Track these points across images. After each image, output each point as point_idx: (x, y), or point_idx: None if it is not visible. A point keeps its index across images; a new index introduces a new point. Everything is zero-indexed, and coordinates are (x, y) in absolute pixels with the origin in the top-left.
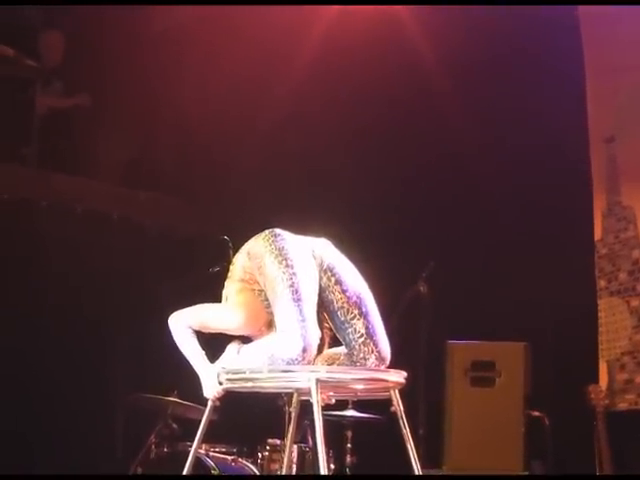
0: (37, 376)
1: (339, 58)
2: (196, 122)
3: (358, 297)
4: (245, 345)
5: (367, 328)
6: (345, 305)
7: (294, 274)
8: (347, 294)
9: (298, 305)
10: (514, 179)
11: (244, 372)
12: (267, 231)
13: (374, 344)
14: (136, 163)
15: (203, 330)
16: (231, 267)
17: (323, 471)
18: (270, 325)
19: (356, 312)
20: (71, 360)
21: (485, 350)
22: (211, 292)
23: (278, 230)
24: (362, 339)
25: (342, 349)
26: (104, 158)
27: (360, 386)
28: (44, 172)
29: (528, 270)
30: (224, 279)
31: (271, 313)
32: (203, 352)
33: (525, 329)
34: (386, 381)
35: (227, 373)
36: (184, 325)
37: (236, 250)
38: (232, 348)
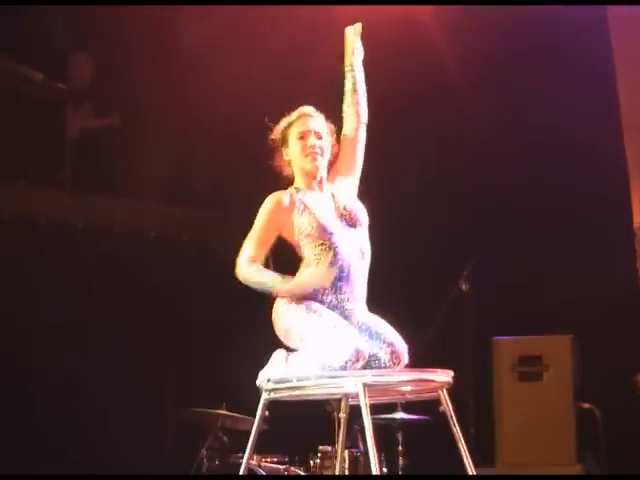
0: (88, 395)
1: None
2: (229, 136)
3: None
4: (293, 353)
5: None
6: None
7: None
8: None
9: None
10: (552, 174)
11: (291, 380)
12: None
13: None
14: (171, 180)
15: None
16: None
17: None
18: None
19: None
20: (120, 378)
21: (531, 344)
22: (247, 306)
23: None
24: None
25: None
26: (139, 177)
27: (407, 387)
28: (79, 194)
29: (570, 262)
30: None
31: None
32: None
33: (570, 321)
34: (433, 381)
35: (275, 383)
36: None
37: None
38: (279, 356)
